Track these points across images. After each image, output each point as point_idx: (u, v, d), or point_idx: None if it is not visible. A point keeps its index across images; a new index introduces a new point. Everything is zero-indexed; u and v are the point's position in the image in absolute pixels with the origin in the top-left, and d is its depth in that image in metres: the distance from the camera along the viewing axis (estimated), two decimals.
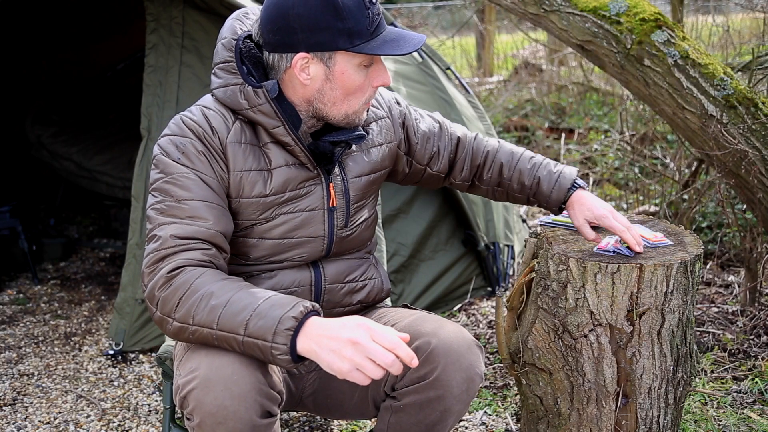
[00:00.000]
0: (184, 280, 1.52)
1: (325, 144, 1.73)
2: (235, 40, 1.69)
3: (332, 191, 1.78)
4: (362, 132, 1.77)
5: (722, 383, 2.64)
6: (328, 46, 1.61)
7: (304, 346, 1.42)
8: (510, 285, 3.46)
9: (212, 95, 1.71)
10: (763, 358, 2.73)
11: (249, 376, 1.47)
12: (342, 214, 1.81)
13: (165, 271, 1.54)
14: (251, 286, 1.55)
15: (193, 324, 1.50)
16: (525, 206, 4.80)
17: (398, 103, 1.99)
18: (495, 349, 2.93)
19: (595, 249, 1.88)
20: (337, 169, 1.79)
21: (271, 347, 1.43)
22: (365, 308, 1.94)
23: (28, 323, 3.46)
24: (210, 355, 1.49)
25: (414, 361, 1.39)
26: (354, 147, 1.83)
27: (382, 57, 1.67)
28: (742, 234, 3.35)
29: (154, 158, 1.67)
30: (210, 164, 1.65)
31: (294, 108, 1.69)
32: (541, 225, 2.10)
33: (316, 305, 1.48)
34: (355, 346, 1.38)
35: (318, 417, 2.57)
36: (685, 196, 3.84)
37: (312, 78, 1.65)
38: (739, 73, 3.46)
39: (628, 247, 1.86)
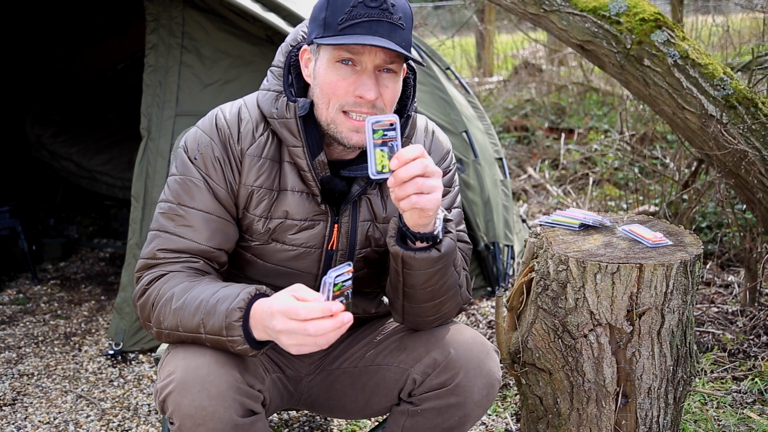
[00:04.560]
0: (154, 287, 1.58)
1: (339, 182, 1.65)
2: (292, 46, 1.67)
3: (335, 233, 1.69)
4: None
5: (722, 383, 2.64)
6: (309, 36, 1.59)
7: (257, 334, 1.45)
8: (510, 285, 3.46)
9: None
10: (762, 358, 2.73)
11: (225, 375, 1.47)
12: (344, 257, 1.72)
13: (144, 282, 1.60)
14: (208, 281, 1.57)
15: (164, 329, 1.56)
16: (525, 206, 4.80)
17: (444, 159, 1.79)
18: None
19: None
20: (350, 209, 1.69)
21: (227, 341, 1.46)
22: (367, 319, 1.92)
23: (28, 323, 3.46)
24: (186, 357, 1.51)
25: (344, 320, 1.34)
26: (374, 189, 1.71)
27: (376, 71, 1.55)
28: (742, 234, 3.35)
29: (179, 147, 1.69)
30: (223, 172, 1.64)
31: (318, 134, 1.62)
32: (541, 225, 2.10)
33: (261, 287, 1.49)
34: (288, 334, 1.36)
35: (318, 417, 2.57)
36: (685, 196, 3.84)
37: (309, 75, 1.62)
38: (739, 73, 3.46)
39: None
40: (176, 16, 3.16)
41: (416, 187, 1.41)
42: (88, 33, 4.73)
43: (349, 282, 1.38)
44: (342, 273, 1.37)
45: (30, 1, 4.25)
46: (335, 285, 1.35)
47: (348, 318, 1.34)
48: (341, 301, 1.36)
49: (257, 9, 2.98)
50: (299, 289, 1.39)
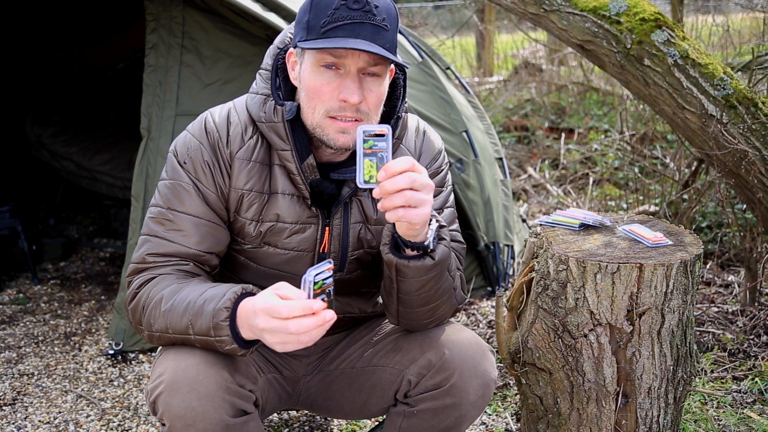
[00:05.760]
0: (144, 291, 1.58)
1: (329, 185, 1.64)
2: (279, 48, 1.67)
3: (327, 236, 1.69)
4: None
5: (722, 383, 2.64)
6: (294, 39, 1.59)
7: (245, 333, 1.45)
8: (510, 285, 3.46)
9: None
10: (763, 358, 2.73)
11: (214, 376, 1.47)
12: (336, 260, 1.72)
13: (134, 286, 1.61)
14: (197, 283, 1.56)
15: (155, 331, 1.56)
16: (525, 206, 4.80)
17: (435, 159, 1.78)
18: (495, 349, 2.92)
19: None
20: (341, 212, 1.69)
21: (215, 341, 1.46)
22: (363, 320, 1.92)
23: (28, 323, 3.46)
24: (176, 358, 1.51)
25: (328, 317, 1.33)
26: (365, 190, 1.70)
27: (360, 73, 1.53)
28: (742, 234, 3.35)
29: (169, 151, 1.69)
30: (213, 176, 1.64)
31: (307, 137, 1.62)
32: (541, 225, 2.10)
33: (247, 286, 1.49)
34: (270, 332, 1.35)
35: (318, 417, 2.57)
36: (685, 196, 3.84)
37: (296, 78, 1.62)
38: (739, 73, 3.46)
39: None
40: (176, 16, 3.16)
41: (404, 200, 1.40)
42: (88, 33, 4.73)
43: (330, 279, 1.38)
44: (322, 271, 1.36)
45: (30, 1, 4.25)
46: (315, 283, 1.35)
47: (330, 316, 1.33)
48: (323, 299, 1.36)
49: (257, 9, 2.98)
50: (283, 287, 1.39)
